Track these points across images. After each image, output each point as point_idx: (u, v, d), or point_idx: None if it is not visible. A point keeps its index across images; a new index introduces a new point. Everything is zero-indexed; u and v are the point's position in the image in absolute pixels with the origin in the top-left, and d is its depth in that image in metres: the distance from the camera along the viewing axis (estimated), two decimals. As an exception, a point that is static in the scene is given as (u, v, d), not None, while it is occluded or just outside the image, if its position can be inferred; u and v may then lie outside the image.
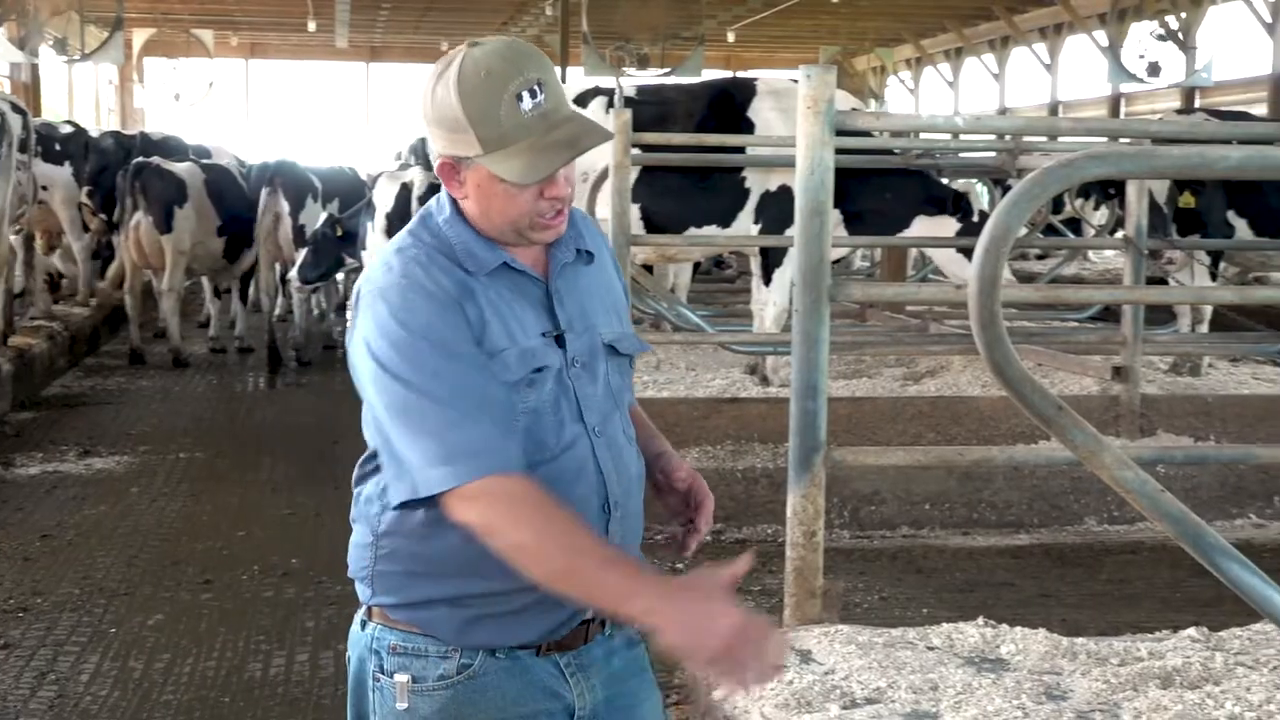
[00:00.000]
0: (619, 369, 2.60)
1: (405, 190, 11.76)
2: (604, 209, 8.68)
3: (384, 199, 12.00)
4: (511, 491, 2.33)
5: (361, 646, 2.55)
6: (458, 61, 2.44)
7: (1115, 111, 30.63)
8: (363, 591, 2.55)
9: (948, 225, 9.93)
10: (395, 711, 2.48)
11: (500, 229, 2.47)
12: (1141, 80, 27.76)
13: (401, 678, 2.47)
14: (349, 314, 2.56)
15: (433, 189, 11.69)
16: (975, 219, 9.81)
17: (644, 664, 2.68)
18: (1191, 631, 4.88)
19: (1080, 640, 4.75)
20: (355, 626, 2.59)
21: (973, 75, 37.46)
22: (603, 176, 8.81)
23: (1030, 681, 4.37)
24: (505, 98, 2.39)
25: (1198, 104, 26.20)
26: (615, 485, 2.52)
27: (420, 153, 16.09)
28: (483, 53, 2.43)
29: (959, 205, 10.03)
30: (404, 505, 2.42)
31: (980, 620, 4.91)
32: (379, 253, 2.57)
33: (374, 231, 12.09)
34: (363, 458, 2.56)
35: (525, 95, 2.39)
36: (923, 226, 9.95)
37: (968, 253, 10.82)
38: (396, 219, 11.76)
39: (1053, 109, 33.19)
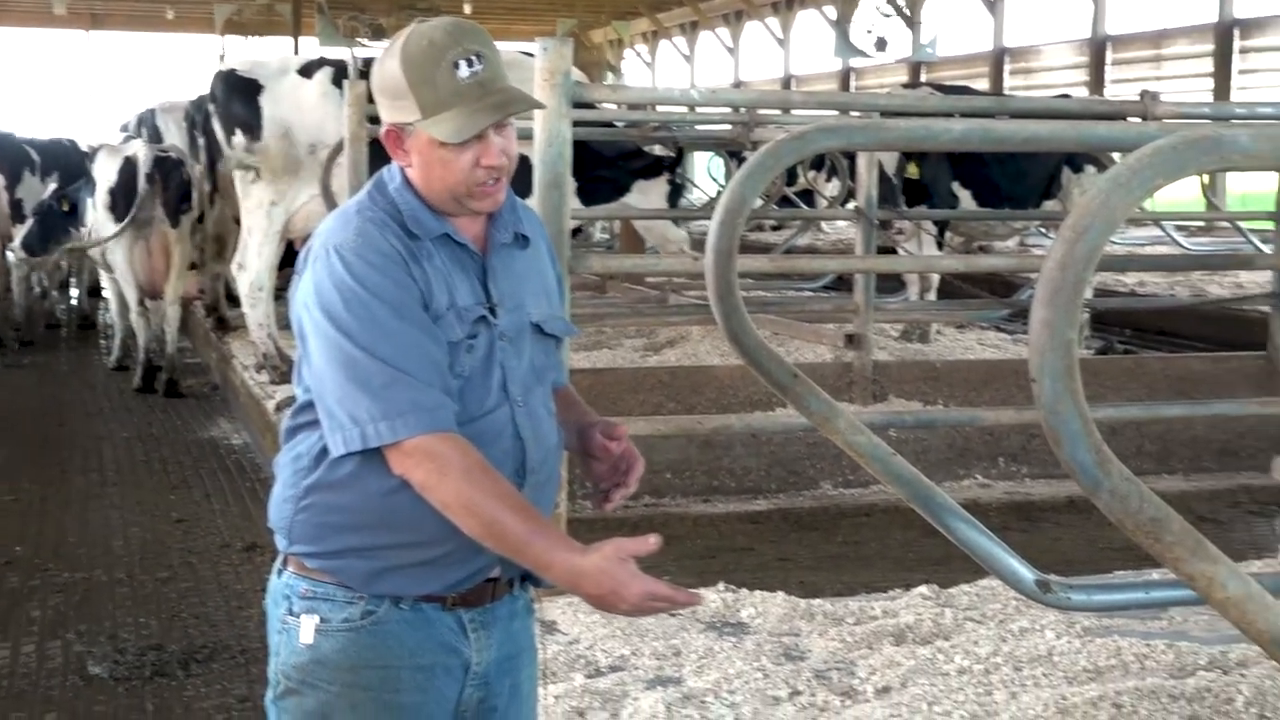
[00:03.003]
0: (544, 348, 2.72)
1: (130, 164, 11.35)
2: (340, 180, 8.55)
3: (106, 173, 11.56)
4: (450, 450, 2.44)
5: (275, 593, 2.66)
6: (405, 35, 2.58)
7: (845, 85, 31.35)
8: (280, 541, 2.65)
9: (662, 186, 10.22)
10: (298, 649, 2.59)
11: (441, 196, 2.58)
12: (869, 55, 28.48)
13: (309, 619, 2.58)
14: (299, 264, 2.62)
15: (159, 163, 11.32)
16: (680, 181, 10.20)
17: (533, 634, 2.81)
18: (923, 589, 5.04)
19: (817, 601, 4.87)
20: (272, 576, 2.69)
21: (708, 49, 37.94)
22: (338, 149, 8.67)
23: (770, 643, 4.46)
24: (444, 65, 2.52)
25: (923, 78, 27.02)
26: (533, 452, 2.63)
27: (149, 124, 15.56)
28: (429, 27, 2.58)
29: (671, 168, 10.34)
30: (330, 457, 2.53)
31: (721, 585, 4.99)
32: (338, 210, 2.65)
33: (96, 208, 11.64)
34: (294, 409, 2.64)
35: (463, 64, 2.53)
36: (641, 190, 10.19)
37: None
38: (121, 194, 11.35)
39: (786, 83, 33.80)
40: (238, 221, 10.42)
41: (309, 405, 2.57)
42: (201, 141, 11.41)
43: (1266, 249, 10.35)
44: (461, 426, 2.52)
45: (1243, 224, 12.56)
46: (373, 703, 2.57)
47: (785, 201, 14.85)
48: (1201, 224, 18.98)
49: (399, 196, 2.59)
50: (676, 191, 10.66)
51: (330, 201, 8.53)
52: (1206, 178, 14.92)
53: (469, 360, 2.56)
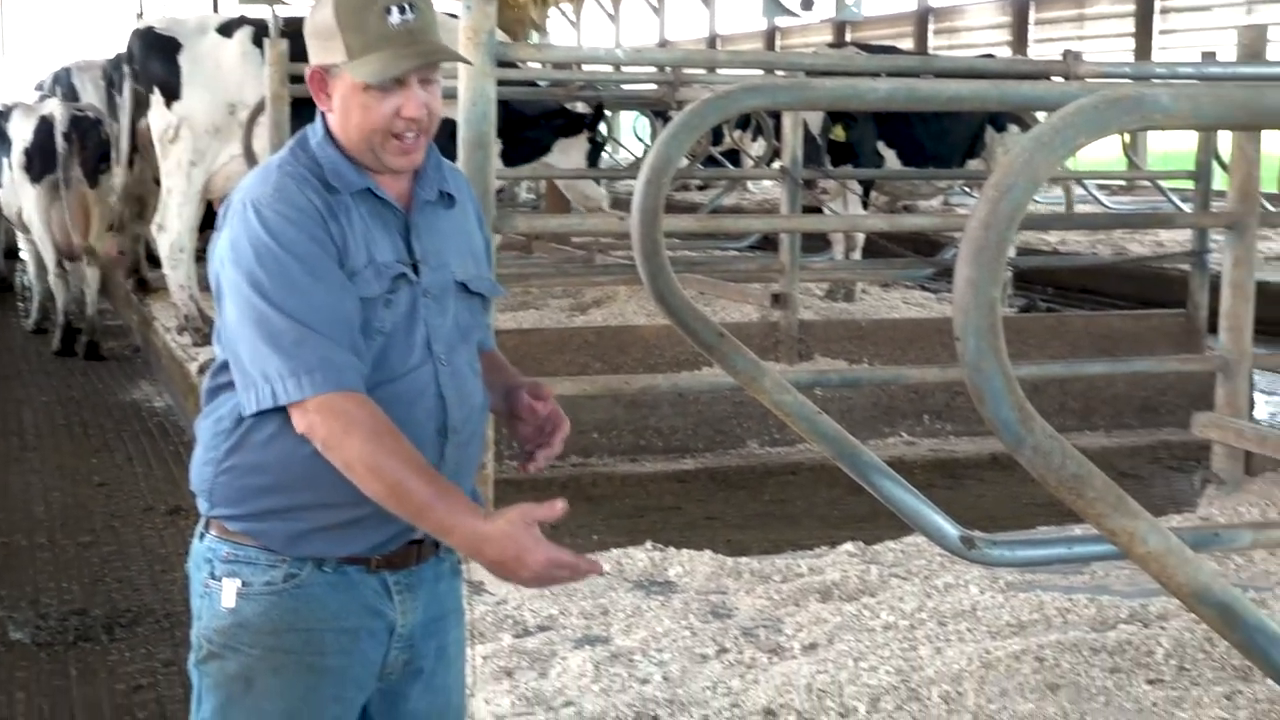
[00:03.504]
0: (469, 308, 2.70)
1: (46, 124, 11.15)
2: (261, 140, 8.46)
3: (21, 133, 11.36)
4: (356, 409, 2.42)
5: (197, 557, 2.64)
6: None
7: (771, 45, 31.36)
8: (202, 505, 2.63)
9: (583, 144, 10.22)
10: (220, 613, 2.57)
11: (359, 145, 2.56)
12: (795, 14, 28.49)
13: (230, 582, 2.56)
14: (219, 219, 2.60)
15: (76, 123, 11.14)
16: (601, 140, 10.22)
17: (460, 596, 2.81)
18: (849, 546, 5.07)
19: (744, 560, 4.90)
20: (194, 539, 2.67)
21: (633, 8, 37.80)
22: (259, 109, 8.57)
23: (697, 601, 4.48)
24: (375, 10, 2.51)
25: (848, 38, 27.05)
26: (455, 411, 2.62)
27: (65, 83, 15.31)
28: None
29: (591, 125, 10.34)
30: (250, 417, 2.51)
31: (648, 544, 5.01)
32: (259, 166, 2.63)
33: (11, 169, 11.45)
34: (214, 369, 2.62)
35: (395, 10, 2.52)
36: (562, 148, 10.20)
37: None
38: (37, 154, 11.16)
39: (711, 42, 33.77)
40: (157, 182, 10.28)
41: (228, 365, 2.55)
42: (119, 101, 11.25)
43: (1186, 208, 10.47)
44: (384, 384, 2.50)
45: (1163, 183, 12.68)
46: (296, 666, 2.56)
47: (711, 161, 14.83)
48: (1123, 183, 19.17)
49: (320, 151, 2.57)
50: (597, 149, 10.65)
51: (252, 161, 8.44)
52: (1128, 137, 15.04)
53: (389, 316, 2.54)
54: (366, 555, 2.58)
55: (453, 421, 2.61)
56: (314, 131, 2.61)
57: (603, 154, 11.82)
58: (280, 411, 2.46)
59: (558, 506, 2.42)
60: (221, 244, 2.53)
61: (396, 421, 2.46)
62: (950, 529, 3.33)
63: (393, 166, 2.57)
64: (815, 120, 10.58)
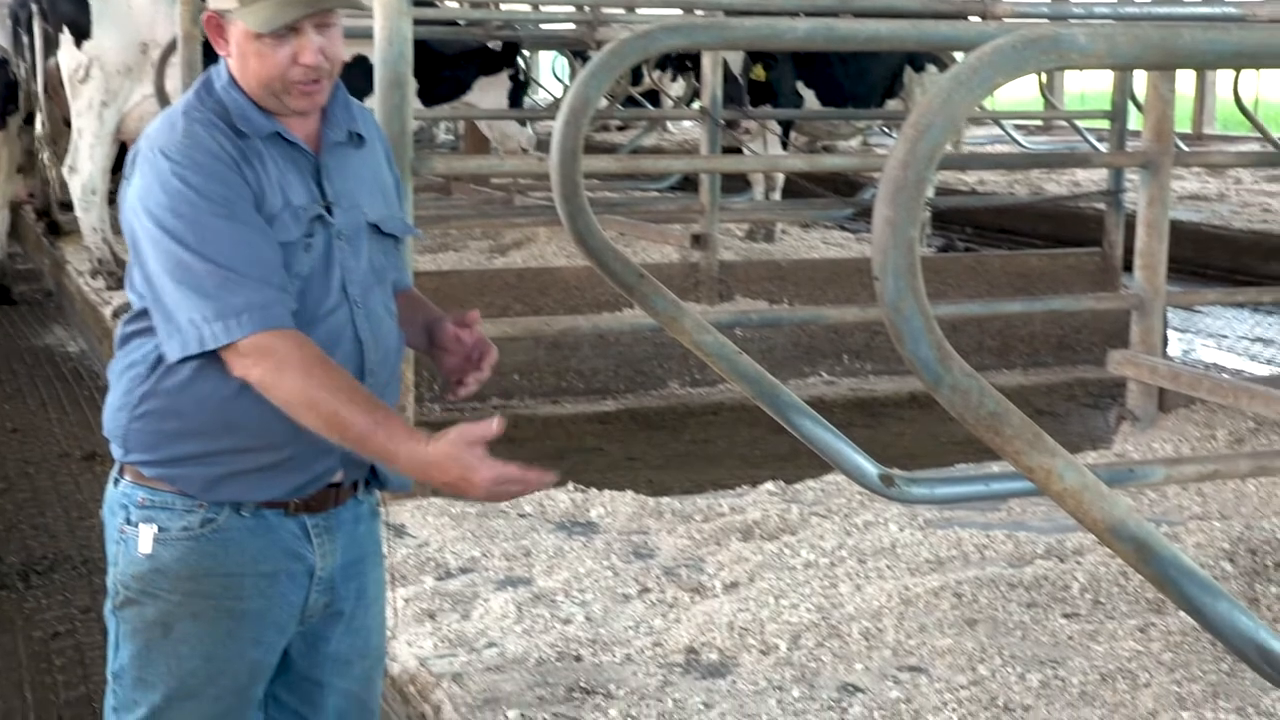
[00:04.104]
0: (383, 248, 2.68)
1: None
2: (174, 80, 8.33)
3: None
4: (287, 345, 2.41)
5: (112, 503, 2.63)
6: None
7: (689, -16, 31.17)
8: (116, 450, 2.62)
9: (503, 83, 10.15)
10: (136, 559, 2.56)
11: (258, 91, 2.52)
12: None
13: (147, 528, 2.55)
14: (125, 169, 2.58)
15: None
16: (523, 78, 10.15)
17: (379, 537, 2.81)
18: (769, 486, 5.10)
19: (666, 500, 4.91)
20: (109, 485, 2.65)
21: (551, -54, 37.51)
22: (171, 49, 8.43)
23: (619, 542, 4.49)
24: None
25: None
26: (373, 354, 2.61)
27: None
28: None
29: (511, 63, 10.27)
30: (165, 363, 2.49)
31: (570, 485, 5.01)
32: (165, 112, 2.60)
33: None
34: (127, 315, 2.59)
35: None
36: (482, 88, 10.11)
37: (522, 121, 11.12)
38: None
39: (629, -19, 33.56)
40: (68, 123, 10.10)
41: (143, 312, 2.53)
42: (27, 40, 11.02)
43: (1103, 147, 10.54)
44: (303, 328, 2.48)
45: (1080, 123, 12.76)
46: (214, 610, 2.56)
47: (630, 102, 14.78)
48: (1040, 123, 19.29)
49: (226, 95, 2.53)
50: (519, 90, 10.56)
51: (164, 102, 8.31)
52: (1045, 77, 15.13)
53: (307, 260, 2.52)
54: (284, 499, 2.57)
55: (370, 364, 2.60)
56: (218, 74, 2.57)
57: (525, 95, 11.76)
58: (197, 356, 2.43)
59: (494, 425, 2.42)
60: (132, 193, 2.49)
61: None
62: (870, 467, 3.35)
63: (295, 109, 2.54)
64: (736, 60, 10.55)
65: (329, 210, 2.57)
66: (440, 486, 2.44)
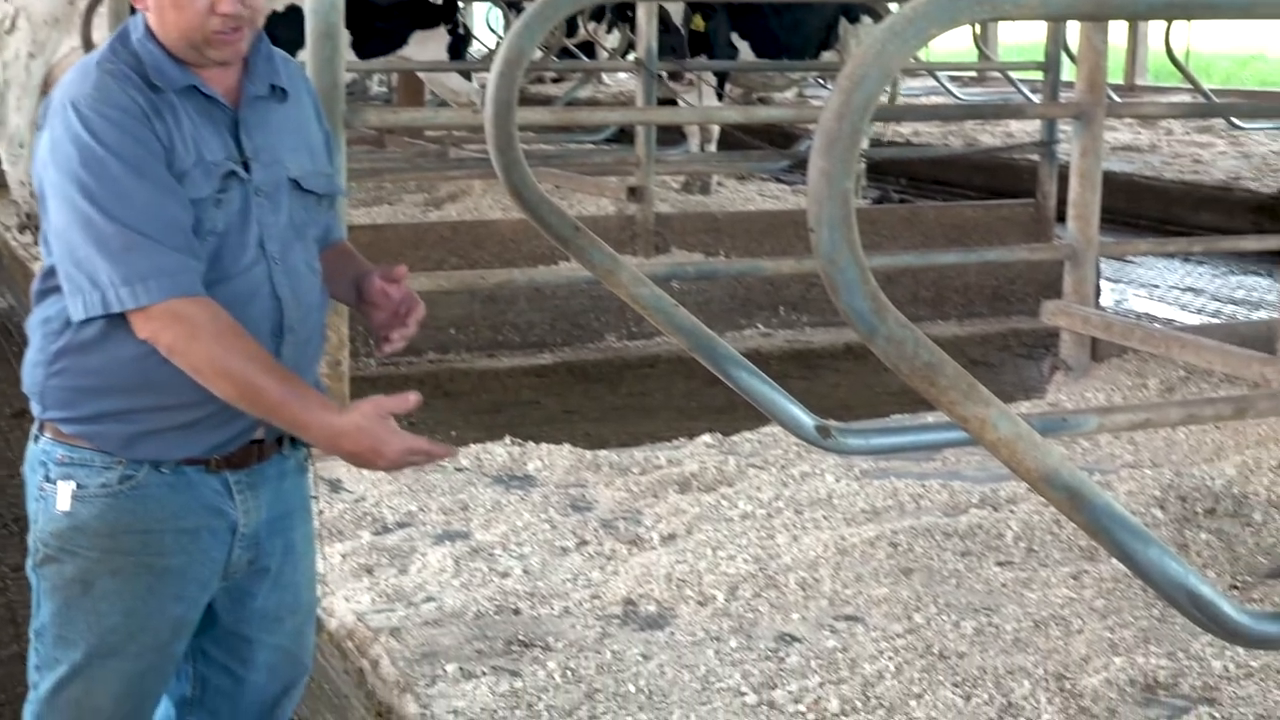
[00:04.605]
0: (304, 205, 2.64)
1: None
2: (102, 31, 8.20)
3: None
4: (198, 313, 2.38)
5: (32, 460, 2.61)
6: None
7: (624, -65, 31.00)
8: (35, 407, 2.59)
9: (442, 36, 10.06)
10: (55, 516, 2.54)
11: (177, 43, 2.47)
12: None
13: (65, 485, 2.53)
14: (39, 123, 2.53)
15: None
16: (463, 32, 10.08)
17: (307, 493, 2.79)
18: (706, 438, 5.11)
19: (603, 453, 4.91)
20: (30, 442, 2.63)
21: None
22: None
23: (557, 495, 4.49)
24: None
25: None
26: (291, 311, 2.57)
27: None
28: None
29: (449, 16, 10.18)
30: (80, 322, 2.45)
31: (507, 439, 5.00)
32: (78, 64, 2.54)
33: None
34: (42, 271, 2.55)
35: None
36: (419, 40, 10.03)
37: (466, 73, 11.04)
38: None
39: (564, -69, 33.31)
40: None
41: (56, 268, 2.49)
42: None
43: (1036, 99, 10.58)
44: (217, 284, 2.45)
45: (1014, 74, 12.82)
46: (134, 567, 2.55)
47: (565, 53, 14.70)
48: (974, 74, 19.34)
49: (141, 47, 2.48)
50: (458, 43, 10.46)
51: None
52: (979, 28, 15.17)
53: (220, 216, 2.48)
54: (205, 457, 2.55)
55: (288, 321, 2.57)
56: (135, 26, 2.51)
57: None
58: (110, 315, 2.40)
59: (410, 398, 2.43)
60: (43, 145, 2.44)
61: None
62: (806, 419, 3.37)
63: (216, 59, 2.49)
64: (677, 11, 10.52)
65: (246, 166, 2.52)
66: (348, 457, 2.43)
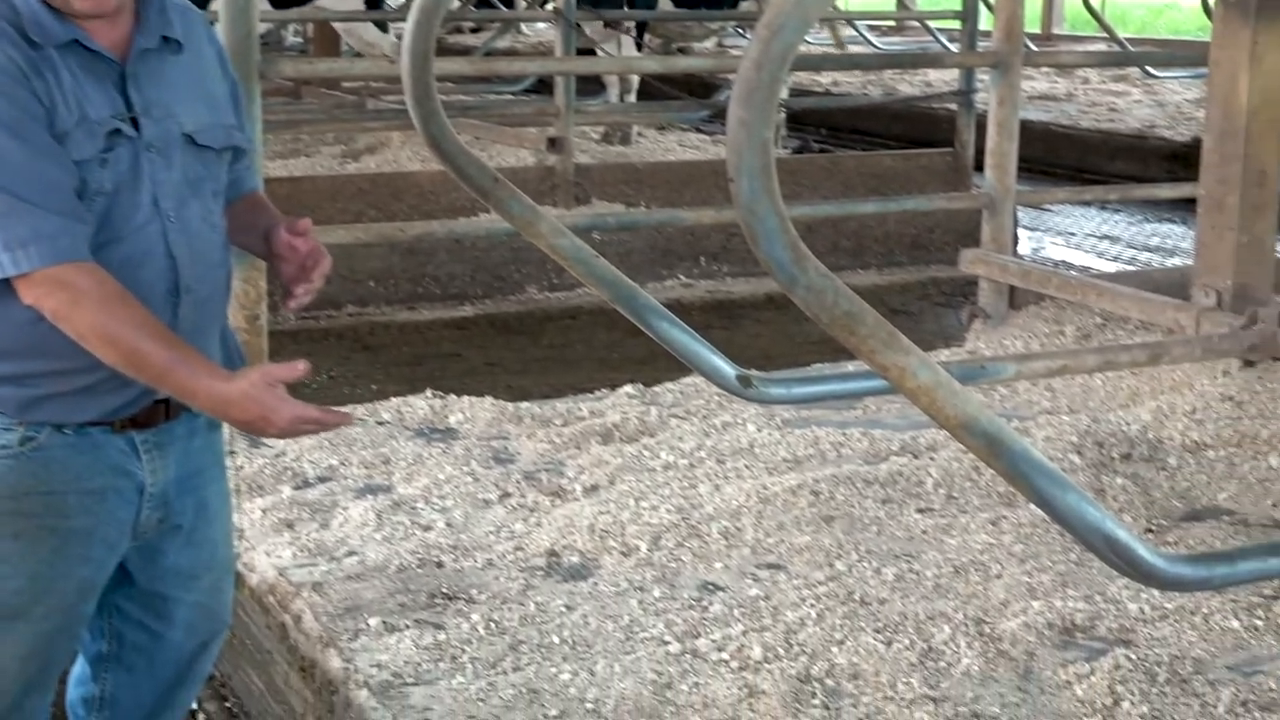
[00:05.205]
0: (201, 160, 2.56)
1: None
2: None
3: None
4: (83, 278, 2.32)
5: None
6: None
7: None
8: None
9: None
10: None
11: None
12: None
13: None
14: None
15: None
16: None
17: (219, 449, 2.76)
18: (628, 389, 5.12)
19: (525, 405, 4.91)
20: None
21: None
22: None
23: (479, 447, 4.48)
24: None
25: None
26: (187, 270, 2.51)
27: None
28: None
29: None
30: None
31: (428, 392, 4.98)
32: None
33: None
34: None
35: None
36: None
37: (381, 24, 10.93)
38: None
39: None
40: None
41: None
42: None
43: (954, 48, 10.63)
44: (109, 245, 2.40)
45: (932, 23, 12.86)
46: (38, 529, 2.49)
47: (483, 3, 14.58)
48: (892, 23, 19.40)
49: (20, 1, 2.37)
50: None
51: None
52: (896, -23, 15.20)
53: (108, 176, 2.40)
54: (108, 419, 2.50)
55: (185, 280, 2.51)
56: None
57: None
58: None
59: (298, 367, 2.40)
60: None
61: (124, 284, 2.37)
62: (727, 369, 3.38)
63: (81, 11, 2.39)
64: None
65: (135, 122, 2.45)
66: (236, 425, 2.41)
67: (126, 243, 2.43)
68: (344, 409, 2.56)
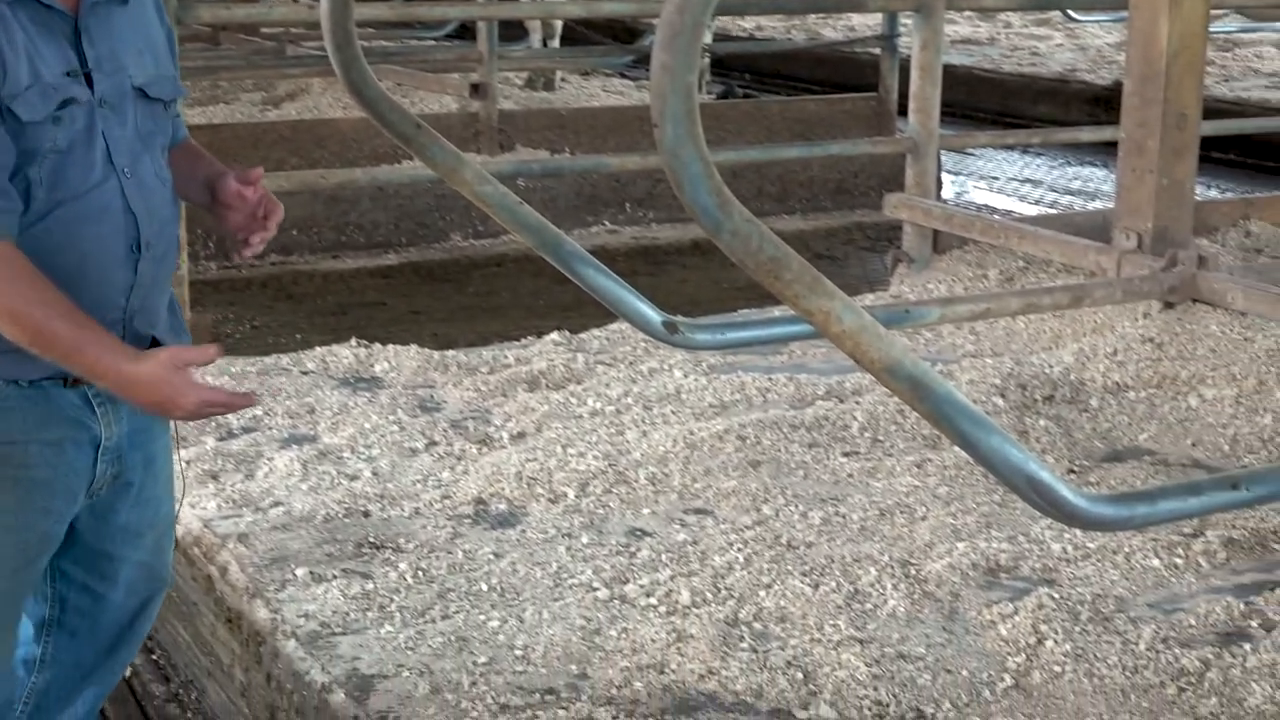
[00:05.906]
0: (151, 113, 2.53)
1: None
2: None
3: None
4: None
5: None
6: None
7: None
8: None
9: None
10: None
11: None
12: None
13: None
14: None
15: None
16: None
17: None
18: (554, 336, 5.11)
19: (451, 353, 4.89)
20: None
21: None
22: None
23: (405, 396, 4.47)
24: None
25: None
26: (146, 225, 2.48)
27: None
28: None
29: None
30: None
31: (353, 341, 4.95)
32: None
33: None
34: None
35: None
36: None
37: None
38: None
39: None
40: None
41: None
42: None
43: (876, -8, 10.62)
44: (66, 204, 2.36)
45: (854, -33, 12.84)
46: (1, 479, 2.47)
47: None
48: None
49: None
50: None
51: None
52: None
53: (62, 134, 2.36)
54: (59, 375, 2.47)
55: (145, 236, 2.48)
56: None
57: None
58: None
59: (209, 351, 2.42)
60: None
61: (84, 241, 2.36)
62: (653, 315, 3.37)
63: None
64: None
65: (89, 78, 2.41)
66: (142, 406, 2.40)
67: (84, 200, 2.40)
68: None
